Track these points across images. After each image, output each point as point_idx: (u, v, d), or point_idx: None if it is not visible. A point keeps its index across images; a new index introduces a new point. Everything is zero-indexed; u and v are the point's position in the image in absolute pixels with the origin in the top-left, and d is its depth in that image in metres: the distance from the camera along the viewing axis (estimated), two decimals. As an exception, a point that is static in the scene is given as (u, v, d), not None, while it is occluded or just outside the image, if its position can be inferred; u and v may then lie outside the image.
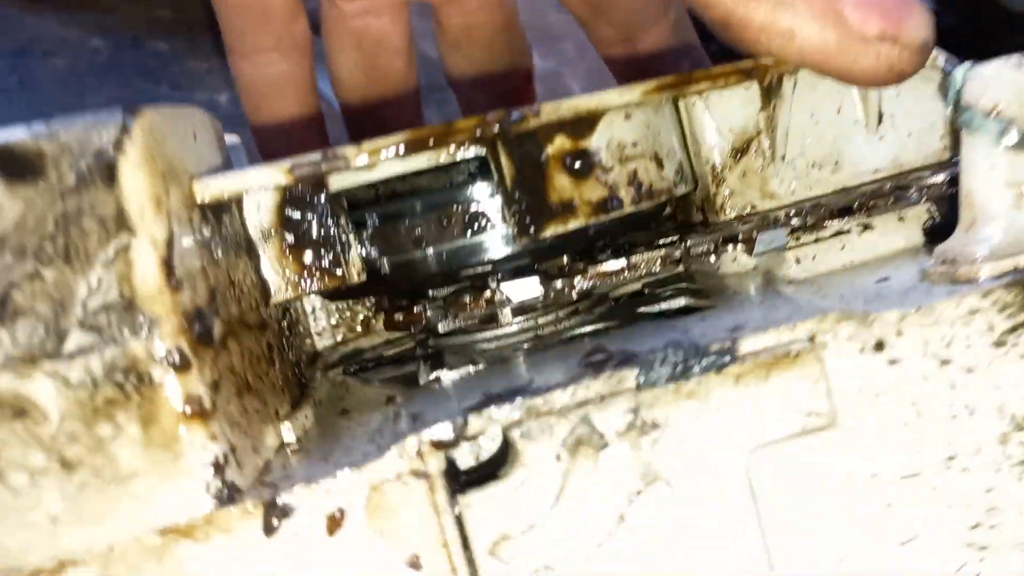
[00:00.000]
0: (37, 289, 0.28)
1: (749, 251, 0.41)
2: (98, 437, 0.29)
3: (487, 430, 0.31)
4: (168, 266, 0.29)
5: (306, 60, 0.64)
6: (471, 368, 0.40)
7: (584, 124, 0.38)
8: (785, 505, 0.33)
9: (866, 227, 0.43)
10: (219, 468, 0.29)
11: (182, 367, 0.29)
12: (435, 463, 0.31)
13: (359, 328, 0.56)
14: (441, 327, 0.45)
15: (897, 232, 0.43)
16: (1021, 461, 0.34)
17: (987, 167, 0.34)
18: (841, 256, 0.44)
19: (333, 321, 0.55)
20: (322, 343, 0.55)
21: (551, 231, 0.38)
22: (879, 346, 0.33)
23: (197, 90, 1.02)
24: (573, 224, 0.38)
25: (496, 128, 0.35)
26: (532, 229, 0.38)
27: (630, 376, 0.31)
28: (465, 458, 0.32)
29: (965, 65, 0.36)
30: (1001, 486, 0.34)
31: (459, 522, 0.31)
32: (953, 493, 0.34)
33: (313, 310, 0.55)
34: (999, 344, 0.33)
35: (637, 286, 0.51)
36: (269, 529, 0.30)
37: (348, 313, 0.55)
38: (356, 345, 0.54)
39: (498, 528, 0.31)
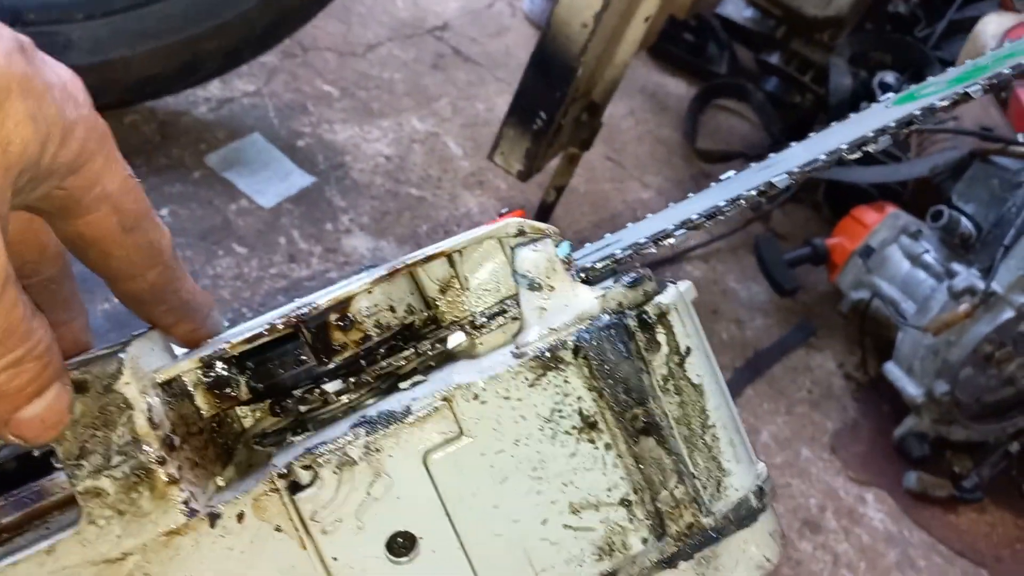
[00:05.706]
0: (97, 439, 0.66)
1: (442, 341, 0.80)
2: (132, 498, 0.67)
3: (307, 466, 0.69)
4: (151, 420, 0.67)
5: None
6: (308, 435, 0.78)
7: (345, 303, 0.77)
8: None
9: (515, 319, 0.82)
10: (187, 502, 0.68)
11: (162, 462, 0.67)
12: (282, 483, 0.69)
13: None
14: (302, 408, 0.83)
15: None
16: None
17: (526, 300, 0.73)
18: (503, 338, 0.82)
19: (249, 421, 0.93)
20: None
21: (338, 359, 0.76)
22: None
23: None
24: (348, 353, 0.77)
25: (295, 319, 0.74)
26: (327, 358, 0.76)
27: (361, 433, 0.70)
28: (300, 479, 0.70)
29: (518, 250, 0.75)
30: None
31: (297, 510, 0.69)
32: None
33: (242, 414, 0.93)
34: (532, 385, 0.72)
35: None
36: (213, 524, 0.68)
37: (257, 413, 0.94)
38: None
39: (314, 509, 0.69)
